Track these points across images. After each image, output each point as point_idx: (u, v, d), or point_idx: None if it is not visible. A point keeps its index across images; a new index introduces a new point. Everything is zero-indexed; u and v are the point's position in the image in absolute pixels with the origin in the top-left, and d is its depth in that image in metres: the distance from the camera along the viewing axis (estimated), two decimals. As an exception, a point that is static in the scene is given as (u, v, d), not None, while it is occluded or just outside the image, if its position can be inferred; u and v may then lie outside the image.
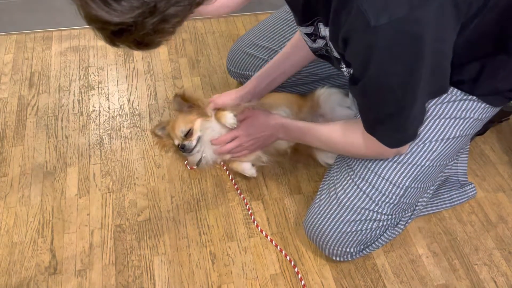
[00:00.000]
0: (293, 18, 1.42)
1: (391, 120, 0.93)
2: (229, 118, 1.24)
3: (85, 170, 1.35)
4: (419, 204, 1.15)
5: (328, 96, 1.37)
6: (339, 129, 1.09)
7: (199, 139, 1.32)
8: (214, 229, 1.23)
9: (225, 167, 1.35)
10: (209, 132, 1.32)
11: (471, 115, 1.08)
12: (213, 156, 1.33)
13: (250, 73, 1.47)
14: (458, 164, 1.31)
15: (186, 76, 1.65)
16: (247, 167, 1.28)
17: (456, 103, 1.06)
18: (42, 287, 1.12)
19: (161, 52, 1.73)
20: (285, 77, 1.32)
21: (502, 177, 1.38)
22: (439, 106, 1.06)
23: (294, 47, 1.26)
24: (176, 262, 1.17)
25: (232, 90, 1.33)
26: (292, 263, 1.17)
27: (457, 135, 1.08)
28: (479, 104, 1.08)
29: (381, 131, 0.96)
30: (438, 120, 1.06)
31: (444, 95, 1.05)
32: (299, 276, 1.15)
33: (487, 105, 1.09)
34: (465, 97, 1.06)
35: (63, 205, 1.27)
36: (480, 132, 1.45)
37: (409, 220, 1.15)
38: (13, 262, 1.16)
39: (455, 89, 1.06)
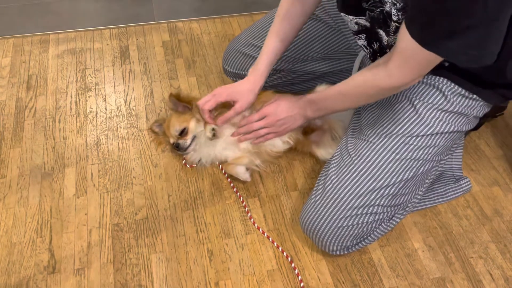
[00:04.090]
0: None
1: (471, 33, 0.82)
2: (207, 130, 1.28)
3: (83, 171, 1.37)
4: (413, 198, 1.16)
5: None
6: (365, 70, 1.05)
7: (194, 138, 1.33)
8: (211, 227, 1.24)
9: (220, 166, 1.36)
10: (204, 133, 1.33)
11: (471, 112, 1.10)
12: (210, 155, 1.35)
13: (245, 72, 1.48)
14: (453, 159, 1.32)
15: (183, 76, 1.66)
16: (241, 171, 1.29)
17: (459, 97, 1.08)
18: (41, 286, 1.12)
19: (157, 53, 1.74)
20: (285, 49, 1.24)
21: (497, 171, 1.39)
22: (442, 98, 1.07)
23: (289, 15, 1.19)
24: (174, 259, 1.18)
25: (246, 87, 1.21)
26: (289, 258, 1.18)
27: (454, 129, 1.10)
28: (478, 102, 1.09)
29: (451, 45, 0.85)
30: (438, 112, 1.07)
31: (449, 89, 1.07)
32: (296, 271, 1.15)
33: (484, 103, 1.11)
34: (466, 93, 1.07)
35: (61, 205, 1.28)
36: (475, 128, 1.46)
37: (404, 213, 1.16)
38: (12, 262, 1.17)
39: (456, 86, 1.07)
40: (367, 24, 1.09)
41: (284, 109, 1.18)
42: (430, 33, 0.85)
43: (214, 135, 1.27)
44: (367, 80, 1.04)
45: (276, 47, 1.22)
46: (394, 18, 0.96)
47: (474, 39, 0.83)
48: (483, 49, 0.86)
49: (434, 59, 0.91)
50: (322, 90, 1.16)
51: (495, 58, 0.88)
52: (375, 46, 1.13)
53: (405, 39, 0.89)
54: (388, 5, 0.97)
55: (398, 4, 0.93)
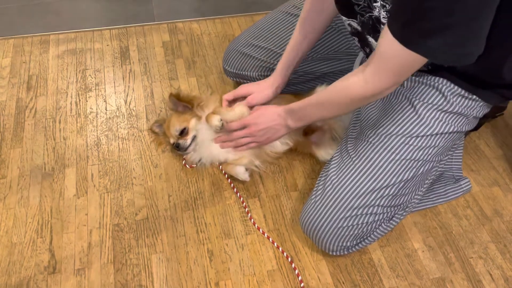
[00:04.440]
0: (288, 19, 1.45)
1: (451, 31, 0.82)
2: (214, 120, 1.26)
3: (83, 171, 1.37)
4: (413, 199, 1.16)
5: None
6: (343, 77, 1.05)
7: (194, 138, 1.34)
8: (212, 227, 1.25)
9: (220, 166, 1.36)
10: (204, 132, 1.33)
11: (471, 112, 1.10)
12: (209, 155, 1.35)
13: (245, 72, 1.48)
14: (453, 160, 1.33)
15: (183, 77, 1.66)
16: (240, 171, 1.29)
17: (459, 98, 1.08)
18: (42, 287, 1.13)
19: (158, 53, 1.74)
20: (311, 46, 1.29)
21: (497, 171, 1.39)
22: (441, 98, 1.07)
23: (312, 12, 1.22)
24: (174, 259, 1.18)
25: (264, 84, 1.32)
26: (289, 259, 1.18)
27: (454, 130, 1.10)
28: (477, 103, 1.10)
29: (431, 44, 0.84)
30: (438, 113, 1.08)
31: (448, 90, 1.07)
32: (296, 271, 1.16)
33: (484, 103, 1.11)
34: (465, 94, 1.07)
35: (62, 206, 1.28)
36: (475, 128, 1.46)
37: (404, 213, 1.17)
38: (12, 262, 1.17)
39: (456, 86, 1.08)
40: (359, 28, 1.09)
41: (265, 119, 1.22)
42: (411, 31, 0.85)
43: (223, 125, 1.26)
44: (343, 87, 1.04)
45: (294, 47, 1.27)
46: (384, 20, 0.96)
47: (454, 38, 0.83)
48: (463, 48, 0.85)
49: (414, 61, 0.89)
50: (303, 99, 1.16)
51: (476, 58, 0.87)
52: (367, 50, 1.13)
53: (385, 41, 0.89)
54: (377, 10, 0.97)
55: (387, 6, 0.93)
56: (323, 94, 1.11)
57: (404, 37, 0.86)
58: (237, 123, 1.25)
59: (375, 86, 0.96)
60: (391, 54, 0.90)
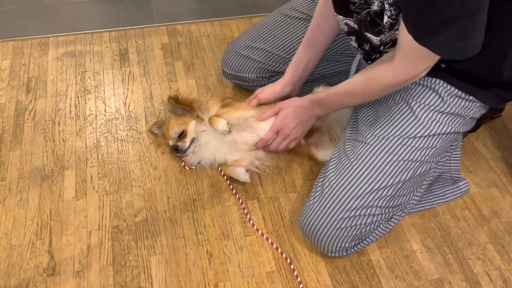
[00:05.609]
0: (287, 21, 1.45)
1: (454, 25, 0.85)
2: (221, 125, 1.26)
3: (82, 173, 1.37)
4: (411, 200, 1.17)
5: None
6: (371, 66, 1.08)
7: (193, 140, 1.34)
8: (211, 229, 1.25)
9: (220, 168, 1.37)
10: (204, 135, 1.34)
11: (468, 113, 1.11)
12: (211, 157, 1.35)
13: (243, 74, 1.49)
14: (451, 161, 1.33)
15: (182, 79, 1.67)
16: (241, 172, 1.30)
17: (455, 99, 1.09)
18: (41, 288, 1.13)
19: (157, 55, 1.75)
20: (321, 53, 1.32)
21: (494, 172, 1.40)
22: (438, 99, 1.08)
23: (321, 17, 1.25)
24: (173, 261, 1.18)
25: (275, 83, 1.35)
26: (288, 260, 1.18)
27: (451, 131, 1.11)
28: (474, 103, 1.10)
29: (438, 39, 0.88)
30: (435, 114, 1.08)
31: (445, 91, 1.08)
32: (295, 273, 1.16)
33: (481, 104, 1.11)
34: (462, 95, 1.08)
35: (61, 208, 1.29)
36: (473, 129, 1.46)
37: (403, 214, 1.17)
38: (12, 264, 1.17)
39: (453, 87, 1.08)
40: (356, 26, 1.10)
41: (293, 117, 1.24)
42: (420, 27, 0.88)
43: (230, 130, 1.27)
44: (373, 76, 1.06)
45: (301, 49, 1.30)
46: (388, 13, 0.97)
47: (458, 31, 0.86)
48: (468, 40, 0.88)
49: (429, 53, 0.92)
50: (328, 89, 1.20)
51: (480, 48, 0.90)
52: (367, 47, 1.14)
53: (404, 34, 0.92)
54: (376, 4, 0.98)
55: None
56: (352, 83, 1.13)
57: (416, 34, 0.89)
58: (269, 133, 1.27)
59: (405, 74, 1.00)
60: (412, 47, 0.93)
